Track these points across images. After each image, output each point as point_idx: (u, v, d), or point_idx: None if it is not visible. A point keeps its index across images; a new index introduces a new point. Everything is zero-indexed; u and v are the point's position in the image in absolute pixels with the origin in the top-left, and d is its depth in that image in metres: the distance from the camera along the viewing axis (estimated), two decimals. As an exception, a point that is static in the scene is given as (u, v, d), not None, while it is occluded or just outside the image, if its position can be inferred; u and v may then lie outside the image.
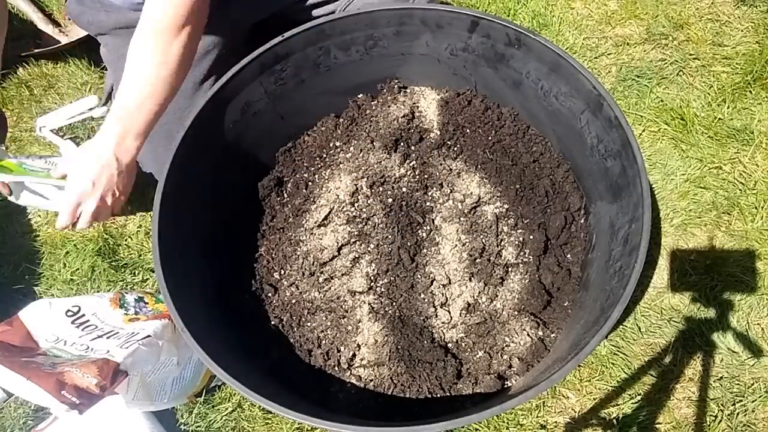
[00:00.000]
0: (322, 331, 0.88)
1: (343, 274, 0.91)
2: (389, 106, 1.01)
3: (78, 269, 1.20)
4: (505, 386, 0.85)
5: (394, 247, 0.90)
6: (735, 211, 1.19)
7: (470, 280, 0.90)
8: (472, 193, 0.94)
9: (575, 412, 1.05)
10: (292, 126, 1.02)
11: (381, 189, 0.94)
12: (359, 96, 1.03)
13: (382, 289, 0.90)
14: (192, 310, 0.74)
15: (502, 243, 0.93)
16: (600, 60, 1.39)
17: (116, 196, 0.86)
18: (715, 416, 1.03)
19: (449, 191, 0.95)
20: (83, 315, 0.92)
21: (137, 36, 0.82)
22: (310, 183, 0.99)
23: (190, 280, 0.80)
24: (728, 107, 1.29)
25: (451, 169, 0.97)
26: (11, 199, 1.04)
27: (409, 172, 0.97)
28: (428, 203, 0.95)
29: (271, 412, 0.99)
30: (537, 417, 1.04)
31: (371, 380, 0.85)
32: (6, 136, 0.92)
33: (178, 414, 1.05)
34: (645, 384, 1.06)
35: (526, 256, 0.92)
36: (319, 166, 1.01)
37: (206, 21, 0.85)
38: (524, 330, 0.87)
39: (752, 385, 1.05)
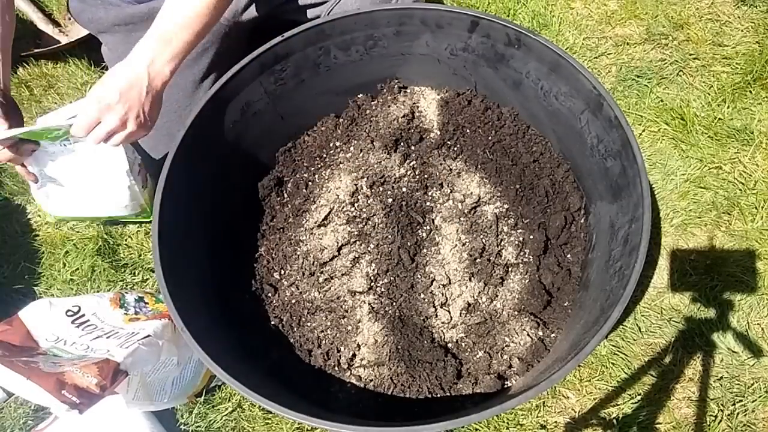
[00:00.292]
0: (322, 331, 0.88)
1: (343, 274, 0.91)
2: (389, 106, 1.01)
3: (78, 269, 1.20)
4: (505, 386, 0.85)
5: (394, 247, 0.90)
6: (735, 211, 1.19)
7: (470, 280, 0.90)
8: (472, 193, 0.94)
9: (575, 412, 1.05)
10: (292, 126, 1.02)
11: (381, 189, 0.94)
12: (359, 96, 1.03)
13: (382, 289, 0.90)
14: (192, 310, 0.74)
15: (502, 243, 0.93)
16: (600, 60, 1.39)
17: (140, 119, 0.79)
18: (715, 416, 1.03)
19: (449, 191, 0.95)
20: (83, 315, 0.92)
21: None
22: (310, 183, 0.99)
23: (190, 280, 0.80)
24: (728, 107, 1.29)
25: (451, 169, 0.97)
26: (35, 187, 1.04)
27: (409, 172, 0.97)
28: (428, 203, 0.95)
29: (271, 412, 0.99)
30: (537, 417, 1.04)
31: (371, 380, 0.85)
32: (22, 122, 0.90)
33: (178, 414, 1.05)
34: (645, 384, 1.06)
35: (526, 256, 0.92)
36: (319, 166, 1.01)
37: None
38: (524, 330, 0.87)
39: (752, 385, 1.05)
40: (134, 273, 1.18)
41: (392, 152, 0.97)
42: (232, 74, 0.86)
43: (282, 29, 0.88)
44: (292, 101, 0.97)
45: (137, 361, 0.84)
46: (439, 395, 0.82)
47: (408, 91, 1.04)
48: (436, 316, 0.89)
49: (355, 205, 0.95)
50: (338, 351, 0.87)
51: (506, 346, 0.87)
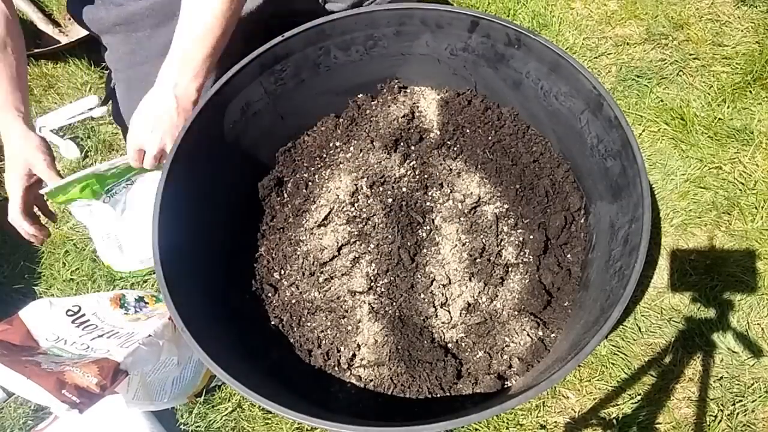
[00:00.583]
0: (322, 331, 0.88)
1: (343, 274, 0.91)
2: (389, 106, 1.01)
3: (78, 269, 1.20)
4: (505, 386, 0.85)
5: (394, 247, 0.90)
6: (735, 211, 1.19)
7: (470, 280, 0.90)
8: (472, 193, 0.94)
9: (575, 412, 1.05)
10: (292, 126, 1.02)
11: (381, 189, 0.94)
12: (359, 96, 1.03)
13: (382, 289, 0.90)
14: (192, 310, 0.74)
15: (502, 243, 0.93)
16: (600, 60, 1.40)
17: (174, 138, 0.84)
18: (715, 416, 1.03)
19: (449, 191, 0.95)
20: (83, 314, 0.92)
21: None
22: (310, 183, 0.99)
23: (190, 280, 0.80)
24: (728, 107, 1.29)
25: (451, 169, 0.97)
26: (102, 249, 1.07)
27: (409, 172, 0.97)
28: (428, 203, 0.95)
29: (271, 412, 0.99)
30: (537, 417, 1.04)
31: (371, 380, 0.86)
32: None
33: (178, 414, 1.05)
34: (645, 384, 1.06)
35: (526, 256, 0.92)
36: (319, 166, 1.01)
37: None
38: (524, 330, 0.87)
39: (752, 385, 1.05)
40: (134, 273, 1.18)
41: (392, 152, 0.97)
42: (232, 74, 0.86)
43: (281, 28, 0.88)
44: (292, 101, 0.97)
45: (137, 361, 0.84)
46: (439, 395, 0.82)
47: (408, 91, 1.04)
48: (436, 316, 0.89)
49: (355, 205, 0.95)
50: (338, 351, 0.87)
51: (506, 346, 0.87)
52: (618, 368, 1.07)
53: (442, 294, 0.90)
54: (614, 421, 1.02)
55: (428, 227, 0.93)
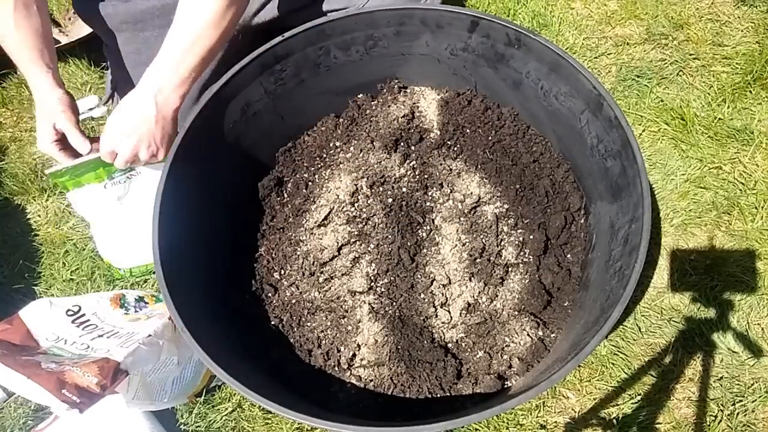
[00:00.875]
0: (322, 331, 0.88)
1: (343, 274, 0.91)
2: (389, 106, 1.01)
3: (78, 269, 1.20)
4: (505, 386, 0.85)
5: (394, 247, 0.90)
6: (735, 211, 1.19)
7: (470, 280, 0.90)
8: (472, 193, 0.94)
9: (575, 412, 1.05)
10: (292, 126, 1.02)
11: (381, 189, 0.94)
12: (359, 96, 1.03)
13: (382, 289, 0.90)
14: (192, 310, 0.74)
15: (502, 243, 0.93)
16: (600, 60, 1.39)
17: (151, 148, 0.83)
18: (715, 416, 1.03)
19: (449, 191, 0.95)
20: (83, 314, 0.92)
21: None
22: (310, 183, 0.99)
23: (190, 280, 0.80)
24: (728, 107, 1.29)
25: (451, 169, 0.97)
26: (101, 244, 1.06)
27: (409, 172, 0.97)
28: (428, 203, 0.95)
29: (271, 412, 0.99)
30: (537, 417, 1.04)
31: (371, 380, 0.85)
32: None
33: (178, 414, 1.05)
34: (645, 384, 1.06)
35: (526, 256, 0.92)
36: (319, 166, 1.01)
37: None
38: (524, 330, 0.87)
39: (752, 385, 1.05)
40: (134, 273, 1.18)
41: (392, 152, 0.97)
42: (232, 74, 0.86)
43: (287, 30, 0.88)
44: (292, 101, 0.97)
45: (137, 361, 0.84)
46: (439, 395, 0.82)
47: (408, 91, 1.04)
48: (436, 316, 0.89)
49: (355, 205, 0.95)
50: (338, 351, 0.87)
51: (506, 346, 0.87)
52: (618, 368, 1.07)
53: (442, 294, 0.90)
54: (614, 421, 1.02)
55: (428, 227, 0.93)
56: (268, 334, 0.89)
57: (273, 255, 0.95)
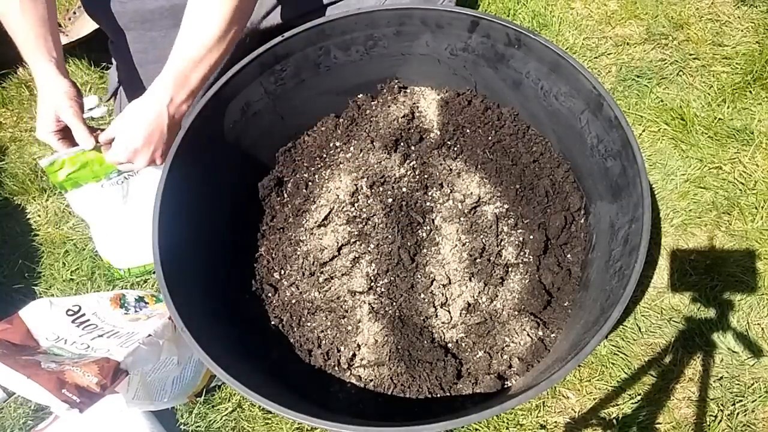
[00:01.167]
0: (322, 331, 0.88)
1: (343, 274, 0.91)
2: (389, 106, 1.01)
3: (78, 269, 1.20)
4: (505, 386, 0.85)
5: (394, 247, 0.90)
6: (735, 211, 1.19)
7: (470, 280, 0.90)
8: (472, 193, 0.94)
9: (575, 412, 1.05)
10: (292, 126, 1.02)
11: (381, 189, 0.94)
12: (359, 96, 1.03)
13: (382, 289, 0.90)
14: (192, 310, 0.74)
15: (502, 243, 0.93)
16: (600, 60, 1.40)
17: (164, 155, 0.85)
18: (715, 416, 1.03)
19: (449, 191, 0.95)
20: (83, 314, 0.92)
21: None
22: (310, 183, 0.99)
23: (190, 280, 0.80)
24: (728, 107, 1.29)
25: (451, 169, 0.97)
26: (100, 244, 1.06)
27: (409, 172, 0.97)
28: (428, 203, 0.95)
29: (271, 412, 0.99)
30: (537, 417, 1.04)
31: (371, 380, 0.86)
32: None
33: (178, 414, 1.05)
34: (645, 384, 1.06)
35: (526, 256, 0.92)
36: (319, 166, 1.01)
37: None
38: (524, 330, 0.87)
39: (752, 385, 1.05)
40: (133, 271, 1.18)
41: (392, 152, 0.97)
42: (232, 74, 0.86)
43: (281, 30, 0.88)
44: (292, 101, 0.97)
45: (138, 361, 0.84)
46: (439, 395, 0.82)
47: (408, 91, 1.04)
48: (436, 316, 0.89)
49: (355, 205, 0.95)
50: (338, 351, 0.87)
51: (506, 346, 0.87)
52: (618, 368, 1.07)
53: (442, 294, 0.90)
54: (614, 421, 1.02)
55: (428, 227, 0.93)
56: (268, 334, 0.89)
57: (273, 255, 0.95)
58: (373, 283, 0.90)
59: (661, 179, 1.24)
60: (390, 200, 0.93)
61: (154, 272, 0.84)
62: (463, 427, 1.01)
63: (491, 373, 0.85)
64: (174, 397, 0.96)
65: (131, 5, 1.00)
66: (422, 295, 0.89)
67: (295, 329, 0.89)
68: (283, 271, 0.94)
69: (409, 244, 0.91)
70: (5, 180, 1.30)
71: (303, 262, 0.93)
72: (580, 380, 1.07)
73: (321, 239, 0.93)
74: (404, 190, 0.95)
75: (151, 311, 1.00)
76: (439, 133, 1.01)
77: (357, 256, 0.91)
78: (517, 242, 0.93)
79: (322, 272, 0.92)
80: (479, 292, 0.90)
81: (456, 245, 0.91)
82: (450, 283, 0.90)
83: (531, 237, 0.92)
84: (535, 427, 1.03)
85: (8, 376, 0.75)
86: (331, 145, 1.01)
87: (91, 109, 1.34)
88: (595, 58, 1.40)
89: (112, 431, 0.94)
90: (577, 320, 0.83)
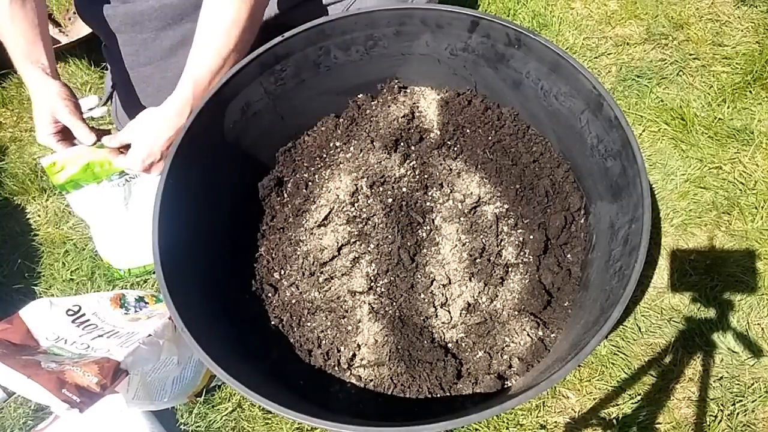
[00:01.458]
0: (322, 331, 0.88)
1: (343, 274, 0.91)
2: (389, 106, 1.01)
3: (78, 269, 1.20)
4: (505, 386, 0.85)
5: (394, 247, 0.90)
6: (735, 211, 1.19)
7: (470, 280, 0.90)
8: (472, 193, 0.94)
9: (575, 412, 1.05)
10: (292, 126, 1.02)
11: (381, 189, 0.94)
12: (359, 96, 1.03)
13: (382, 289, 0.90)
14: (192, 310, 0.74)
15: (502, 243, 0.93)
16: (600, 60, 1.40)
17: None
18: (715, 416, 1.03)
19: (449, 191, 0.95)
20: (83, 314, 0.92)
21: None
22: (310, 183, 0.99)
23: (190, 280, 0.80)
24: (728, 107, 1.29)
25: (451, 169, 0.97)
26: (101, 245, 1.06)
27: (409, 172, 0.97)
28: (428, 203, 0.95)
29: (271, 412, 0.99)
30: (537, 417, 1.04)
31: (371, 380, 0.86)
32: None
33: (178, 414, 1.05)
34: (645, 384, 1.06)
35: (526, 256, 0.92)
36: (319, 166, 1.01)
37: None
38: (524, 330, 0.87)
39: (752, 385, 1.05)
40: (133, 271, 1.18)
41: (392, 152, 0.97)
42: (232, 74, 0.86)
43: (281, 30, 0.88)
44: (292, 101, 0.97)
45: (138, 361, 0.84)
46: (439, 395, 0.82)
47: (408, 91, 1.04)
48: (436, 316, 0.89)
49: (355, 205, 0.95)
50: (338, 351, 0.87)
51: (506, 346, 0.87)
52: (618, 368, 1.07)
53: (442, 294, 0.90)
54: (614, 421, 1.02)
55: (428, 227, 0.93)
56: (268, 334, 0.89)
57: (273, 255, 0.95)
58: (373, 283, 0.90)
59: (661, 179, 1.24)
60: (390, 200, 0.93)
61: (154, 272, 0.84)
62: (463, 427, 1.01)
63: (491, 373, 0.85)
64: (174, 397, 0.96)
65: (122, 8, 1.00)
66: (422, 295, 0.89)
67: (295, 329, 0.89)
68: (283, 271, 0.94)
69: (409, 244, 0.91)
70: (5, 180, 1.30)
71: (303, 262, 0.93)
72: (580, 380, 1.07)
73: (321, 239, 0.93)
74: (404, 190, 0.95)
75: (151, 311, 1.00)
76: (439, 133, 1.01)
77: (357, 256, 0.91)
78: (517, 242, 0.93)
79: (322, 272, 0.92)
80: (479, 292, 0.90)
81: (456, 245, 0.91)
82: (450, 283, 0.90)
83: (531, 237, 0.92)
84: (535, 427, 1.03)
85: (8, 376, 0.75)
86: (331, 145, 1.01)
87: (91, 109, 1.34)
88: (595, 58, 1.40)
89: (112, 431, 0.94)
90: (577, 320, 0.83)
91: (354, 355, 0.87)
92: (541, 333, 0.87)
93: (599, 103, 0.81)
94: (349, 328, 0.88)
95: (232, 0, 0.81)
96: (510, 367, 0.86)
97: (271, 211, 0.99)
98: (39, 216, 1.27)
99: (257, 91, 0.92)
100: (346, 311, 0.89)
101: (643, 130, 1.29)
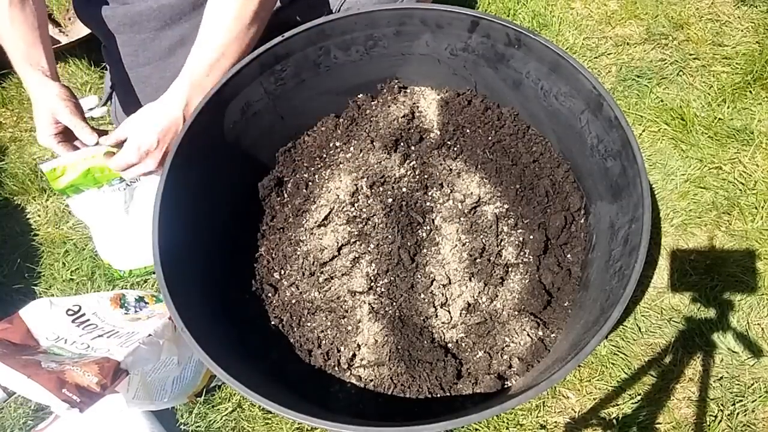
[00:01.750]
0: (322, 331, 0.88)
1: (343, 274, 0.91)
2: (389, 106, 1.01)
3: (78, 269, 1.20)
4: (505, 386, 0.85)
5: (394, 247, 0.90)
6: (735, 211, 1.19)
7: (470, 280, 0.90)
8: (472, 193, 0.94)
9: (575, 412, 1.05)
10: (292, 126, 1.02)
11: (381, 189, 0.94)
12: (359, 96, 1.03)
13: (382, 289, 0.90)
14: (192, 310, 0.74)
15: (502, 243, 0.93)
16: (600, 60, 1.40)
17: None
18: (715, 416, 1.03)
19: (449, 191, 0.95)
20: (84, 314, 0.92)
21: None
22: (310, 183, 0.99)
23: (190, 279, 0.80)
24: (728, 107, 1.29)
25: (451, 169, 0.97)
26: (101, 246, 1.05)
27: (409, 172, 0.97)
28: (428, 203, 0.95)
29: (271, 412, 0.99)
30: (537, 417, 1.04)
31: (371, 380, 0.86)
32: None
33: (178, 414, 1.05)
34: (645, 384, 1.06)
35: (526, 256, 0.92)
36: (319, 166, 1.01)
37: None
38: (524, 330, 0.87)
39: (752, 385, 1.05)
40: (134, 272, 1.18)
41: (392, 152, 0.97)
42: (232, 74, 0.86)
43: (281, 30, 0.88)
44: (292, 101, 0.97)
45: (138, 360, 0.84)
46: (439, 395, 0.82)
47: (408, 91, 1.04)
48: (436, 316, 0.89)
49: (355, 205, 0.95)
50: (338, 351, 0.87)
51: (506, 346, 0.87)
52: (618, 368, 1.07)
53: (442, 294, 0.90)
54: (614, 421, 1.02)
55: (428, 227, 0.93)
56: (268, 334, 0.89)
57: (273, 255, 0.95)
58: (373, 283, 0.90)
59: (661, 179, 1.24)
60: (390, 200, 0.93)
61: (154, 272, 0.84)
62: (463, 427, 1.01)
63: (491, 373, 0.85)
64: (174, 397, 0.97)
65: (120, 9, 1.00)
66: (422, 295, 0.90)
67: (295, 329, 0.89)
68: (283, 271, 0.94)
69: (409, 244, 0.91)
70: (5, 180, 1.30)
71: (303, 262, 0.93)
72: (580, 380, 1.07)
73: (321, 239, 0.93)
74: (404, 190, 0.95)
75: (151, 311, 1.00)
76: (439, 133, 1.01)
77: (357, 256, 0.91)
78: (517, 242, 0.93)
79: (322, 272, 0.92)
80: (479, 292, 0.90)
81: (456, 245, 0.91)
82: (450, 283, 0.90)
83: (531, 237, 0.92)
84: (535, 427, 1.03)
85: (8, 376, 0.75)
86: (331, 145, 1.01)
87: (91, 109, 1.34)
88: (595, 58, 1.40)
89: (112, 431, 0.94)
90: (577, 320, 0.83)
91: (354, 355, 0.87)
92: (541, 333, 0.87)
93: (599, 103, 0.81)
94: (349, 328, 0.88)
95: None
96: (510, 367, 0.86)
97: (271, 211, 0.99)
98: (39, 216, 1.27)
99: (257, 91, 0.92)
100: (346, 311, 0.89)
101: (643, 130, 1.29)
